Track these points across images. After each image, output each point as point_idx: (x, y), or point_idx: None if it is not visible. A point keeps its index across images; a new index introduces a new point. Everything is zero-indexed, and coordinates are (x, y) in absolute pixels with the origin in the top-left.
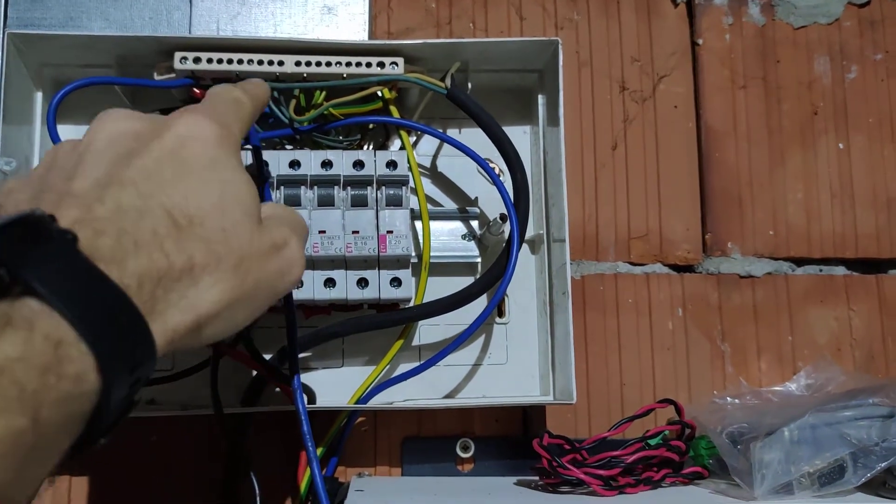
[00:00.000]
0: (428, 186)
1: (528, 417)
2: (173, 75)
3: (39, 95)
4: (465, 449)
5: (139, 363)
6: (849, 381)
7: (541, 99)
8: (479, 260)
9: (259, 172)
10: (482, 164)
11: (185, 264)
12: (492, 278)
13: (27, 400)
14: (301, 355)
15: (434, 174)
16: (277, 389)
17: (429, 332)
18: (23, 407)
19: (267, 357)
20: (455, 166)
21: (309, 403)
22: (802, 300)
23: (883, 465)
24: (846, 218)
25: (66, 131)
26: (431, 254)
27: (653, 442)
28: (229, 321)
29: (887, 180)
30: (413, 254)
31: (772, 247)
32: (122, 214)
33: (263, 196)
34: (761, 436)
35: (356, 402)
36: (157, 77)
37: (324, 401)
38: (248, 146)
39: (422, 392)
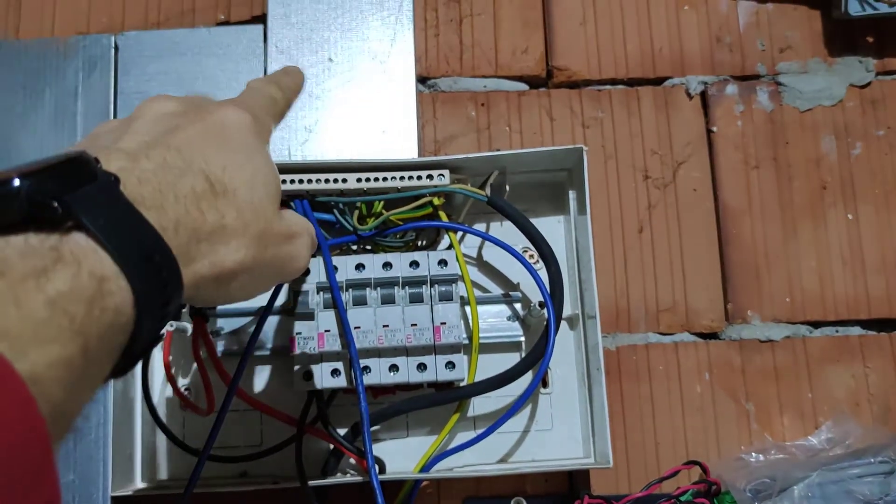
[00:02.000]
0: (475, 274)
1: (574, 476)
2: None
3: None
4: None
5: (168, 300)
6: (866, 433)
7: (571, 194)
8: (522, 339)
9: (329, 277)
10: (520, 258)
11: (217, 224)
12: (534, 357)
13: (77, 331)
14: (372, 429)
15: (480, 262)
16: (352, 460)
17: (482, 403)
18: (73, 337)
19: (342, 431)
20: (498, 255)
21: (380, 473)
22: (820, 360)
23: None
24: (858, 283)
25: None
26: (480, 335)
27: (683, 499)
28: (243, 285)
29: (895, 246)
30: (464, 336)
31: (789, 312)
32: (165, 170)
33: (335, 301)
34: (775, 492)
35: (420, 471)
36: None
37: (392, 468)
38: (317, 254)
39: (478, 457)
